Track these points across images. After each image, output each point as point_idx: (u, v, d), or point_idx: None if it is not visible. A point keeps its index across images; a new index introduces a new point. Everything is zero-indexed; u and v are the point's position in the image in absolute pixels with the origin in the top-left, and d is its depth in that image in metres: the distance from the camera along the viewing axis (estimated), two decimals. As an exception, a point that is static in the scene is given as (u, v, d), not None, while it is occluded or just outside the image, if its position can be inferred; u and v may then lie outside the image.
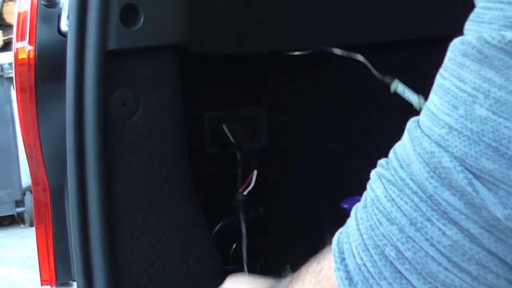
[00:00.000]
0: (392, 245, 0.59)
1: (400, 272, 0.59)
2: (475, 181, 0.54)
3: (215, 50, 1.31)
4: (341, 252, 0.63)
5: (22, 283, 3.61)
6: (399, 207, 0.59)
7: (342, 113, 1.51)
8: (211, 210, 1.31)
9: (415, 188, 0.58)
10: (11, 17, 4.56)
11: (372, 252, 0.60)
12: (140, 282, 1.18)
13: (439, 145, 0.56)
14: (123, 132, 1.14)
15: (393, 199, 0.59)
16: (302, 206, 1.35)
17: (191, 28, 1.18)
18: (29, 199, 4.37)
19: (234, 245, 1.44)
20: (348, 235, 0.63)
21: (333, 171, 1.51)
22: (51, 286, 1.36)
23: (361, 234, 0.61)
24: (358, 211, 0.64)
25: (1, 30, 4.62)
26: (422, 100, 1.31)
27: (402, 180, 0.59)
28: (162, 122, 1.17)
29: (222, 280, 1.30)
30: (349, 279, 0.61)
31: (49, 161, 1.28)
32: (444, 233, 0.56)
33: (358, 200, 1.50)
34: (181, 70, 1.20)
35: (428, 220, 0.57)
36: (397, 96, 1.47)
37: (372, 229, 0.60)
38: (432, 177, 0.56)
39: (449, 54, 0.58)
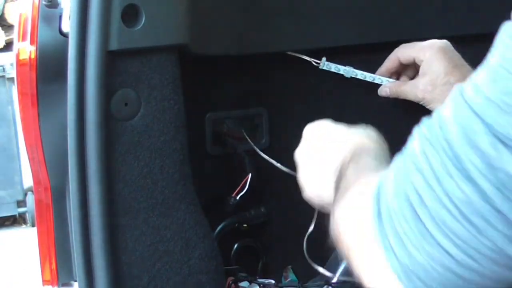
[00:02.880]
0: (416, 193, 0.68)
1: (418, 216, 0.68)
2: (499, 145, 0.63)
3: (216, 50, 1.31)
4: (378, 193, 0.73)
5: (23, 283, 3.62)
6: (429, 161, 0.68)
7: (343, 113, 1.50)
8: (212, 210, 1.31)
9: (445, 146, 0.67)
10: (13, 17, 4.56)
11: (400, 196, 0.70)
12: (142, 282, 1.18)
13: (475, 112, 0.65)
14: (125, 132, 1.14)
15: (425, 154, 0.69)
16: (303, 206, 1.34)
17: (192, 29, 1.18)
18: (30, 200, 4.37)
19: (236, 245, 1.44)
20: (386, 178, 0.73)
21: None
22: (52, 286, 1.36)
23: (395, 180, 0.71)
24: (397, 159, 0.74)
25: (3, 30, 4.62)
26: (349, 68, 1.40)
27: (437, 138, 0.68)
28: (163, 122, 1.17)
29: (224, 280, 1.30)
30: (379, 215, 0.71)
31: (50, 161, 1.28)
32: (460, 189, 0.65)
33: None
34: (183, 71, 1.20)
35: (450, 176, 0.66)
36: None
37: (404, 177, 0.70)
38: (463, 138, 0.66)
39: (499, 34, 0.67)
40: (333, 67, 1.41)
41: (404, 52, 1.38)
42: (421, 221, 0.68)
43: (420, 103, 1.34)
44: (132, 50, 1.12)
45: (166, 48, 1.16)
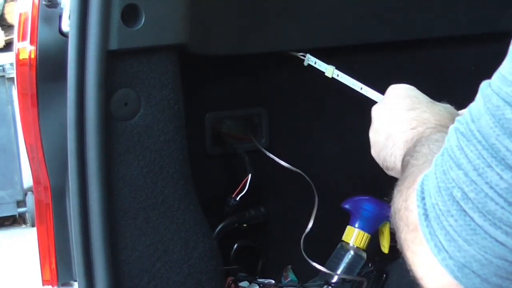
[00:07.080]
0: (458, 187, 0.70)
1: (464, 211, 0.69)
2: None
3: (216, 50, 1.31)
4: (422, 192, 0.74)
5: (23, 283, 3.62)
6: (466, 155, 0.70)
7: (343, 113, 1.51)
8: (212, 210, 1.31)
9: (480, 138, 0.69)
10: (13, 17, 4.56)
11: (443, 193, 0.71)
12: (141, 282, 1.18)
13: (505, 101, 0.67)
14: (124, 132, 1.14)
15: (462, 148, 0.70)
16: (303, 206, 1.35)
17: (192, 28, 1.18)
18: (30, 200, 4.36)
19: (236, 245, 1.44)
20: (428, 178, 0.74)
21: (334, 171, 1.51)
22: (52, 286, 1.36)
23: (436, 178, 0.73)
24: (437, 158, 0.75)
25: (3, 30, 4.62)
26: (332, 68, 1.32)
27: (471, 132, 0.70)
28: (163, 122, 1.17)
29: (223, 280, 1.30)
30: (426, 215, 0.73)
31: (50, 161, 1.28)
32: (501, 177, 0.67)
33: (359, 201, 1.51)
34: (182, 71, 1.20)
35: (489, 166, 0.68)
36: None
37: (444, 173, 0.72)
38: (496, 126, 0.67)
39: None
40: (317, 63, 1.35)
41: None
42: (468, 215, 0.69)
43: None
44: (132, 50, 1.12)
45: (166, 48, 1.16)
